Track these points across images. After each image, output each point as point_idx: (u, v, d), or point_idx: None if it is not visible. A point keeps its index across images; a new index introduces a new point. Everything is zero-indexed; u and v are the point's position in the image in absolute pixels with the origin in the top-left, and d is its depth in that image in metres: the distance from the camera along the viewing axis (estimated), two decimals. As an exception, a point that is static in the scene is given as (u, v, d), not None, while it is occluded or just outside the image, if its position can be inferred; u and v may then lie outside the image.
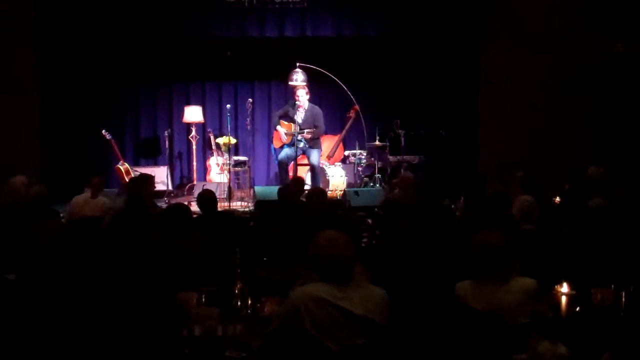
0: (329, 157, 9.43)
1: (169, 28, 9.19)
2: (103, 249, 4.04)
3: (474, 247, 3.35)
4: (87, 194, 6.88)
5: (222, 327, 3.11)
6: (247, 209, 8.22)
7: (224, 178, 9.25)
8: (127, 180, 9.00)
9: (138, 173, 9.03)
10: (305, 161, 8.93)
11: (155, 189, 7.58)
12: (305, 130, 8.55)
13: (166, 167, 9.70)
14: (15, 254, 3.93)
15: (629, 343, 3.16)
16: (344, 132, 9.62)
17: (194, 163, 9.84)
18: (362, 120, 9.27)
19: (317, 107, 8.89)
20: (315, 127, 8.68)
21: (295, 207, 5.73)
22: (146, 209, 5.59)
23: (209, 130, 9.99)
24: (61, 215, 6.29)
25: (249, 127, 9.26)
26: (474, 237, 3.42)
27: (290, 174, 8.80)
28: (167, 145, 9.77)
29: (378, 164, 9.13)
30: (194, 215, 5.41)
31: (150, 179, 6.49)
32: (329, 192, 8.60)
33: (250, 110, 9.18)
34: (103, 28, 9.01)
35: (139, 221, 4.76)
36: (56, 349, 2.88)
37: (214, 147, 9.76)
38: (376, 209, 6.72)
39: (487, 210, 5.05)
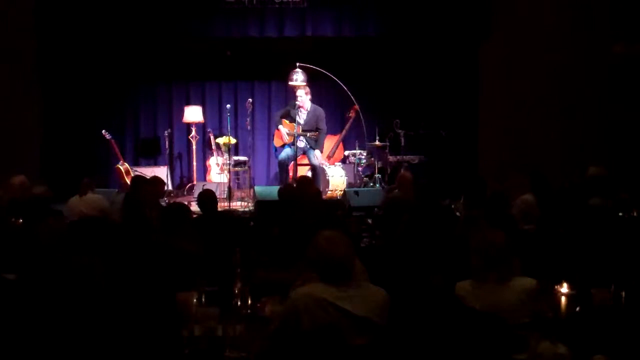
0: (329, 157, 9.43)
1: (169, 28, 9.19)
2: (110, 245, 4.04)
3: (475, 247, 3.35)
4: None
5: (222, 327, 3.11)
6: (247, 209, 8.23)
7: (224, 178, 9.25)
8: (127, 180, 9.01)
9: (138, 173, 9.06)
10: (305, 161, 8.94)
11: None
12: (308, 134, 8.57)
13: (166, 167, 9.70)
14: (15, 254, 3.93)
15: (628, 343, 3.16)
16: (344, 132, 9.63)
17: (194, 163, 9.85)
18: (362, 120, 9.27)
19: (319, 109, 8.90)
20: (319, 129, 8.70)
21: (295, 207, 5.72)
22: (146, 209, 5.58)
23: (209, 130, 9.99)
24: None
25: (249, 127, 9.27)
26: (474, 237, 3.41)
27: (291, 174, 8.80)
28: (167, 145, 9.78)
29: (378, 164, 9.13)
30: (194, 216, 5.41)
31: (157, 182, 6.43)
32: (329, 192, 8.62)
33: (250, 110, 9.19)
34: (103, 28, 9.02)
35: (138, 220, 4.76)
36: (56, 349, 2.88)
37: (214, 147, 9.76)
38: (376, 209, 6.72)
39: (487, 210, 5.05)
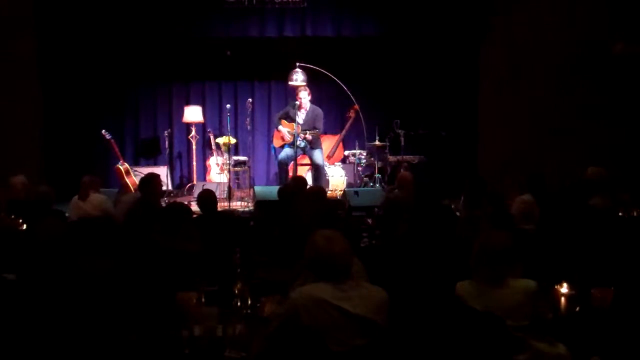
0: (328, 157, 9.44)
1: (169, 28, 9.20)
2: (115, 245, 4.04)
3: (479, 247, 3.33)
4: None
5: (222, 327, 3.11)
6: (247, 209, 8.23)
7: (223, 178, 9.25)
8: (126, 180, 9.01)
9: (138, 173, 9.06)
10: (305, 161, 8.94)
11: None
12: (308, 132, 8.56)
13: (166, 167, 9.70)
14: (15, 254, 3.93)
15: (628, 343, 3.17)
16: (343, 132, 9.63)
17: (194, 163, 9.85)
18: (362, 120, 9.28)
19: (318, 109, 8.90)
20: (315, 128, 8.69)
21: (296, 207, 5.72)
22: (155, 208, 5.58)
23: (208, 130, 10.00)
24: (67, 215, 6.28)
25: (248, 127, 9.27)
26: (479, 237, 3.40)
27: (291, 173, 8.80)
28: (167, 145, 9.78)
29: (378, 164, 9.14)
30: (194, 215, 5.41)
31: (156, 178, 6.43)
32: (328, 192, 8.61)
33: (250, 110, 9.19)
34: (103, 28, 9.03)
35: (145, 221, 4.76)
36: (56, 348, 2.88)
37: (213, 147, 9.77)
38: (376, 209, 6.72)
39: (485, 210, 5.05)
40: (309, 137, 8.57)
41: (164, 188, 9.19)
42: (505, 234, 3.41)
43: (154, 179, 6.26)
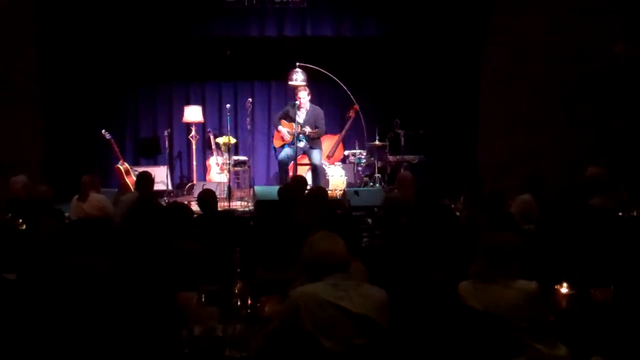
0: (328, 157, 9.43)
1: (169, 28, 9.21)
2: (115, 244, 4.04)
3: (486, 247, 3.31)
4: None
5: (222, 327, 3.11)
6: (247, 209, 8.23)
7: (223, 178, 9.25)
8: (126, 180, 9.01)
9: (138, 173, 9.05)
10: (305, 161, 8.93)
11: (155, 188, 7.53)
12: (308, 130, 8.55)
13: (166, 166, 9.71)
14: (15, 254, 3.93)
15: (628, 343, 3.17)
16: (343, 131, 9.63)
17: (194, 163, 9.85)
18: (362, 120, 9.28)
19: (318, 108, 8.89)
20: (317, 127, 8.68)
21: (295, 207, 5.72)
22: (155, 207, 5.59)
23: (208, 130, 10.00)
24: (67, 215, 6.27)
25: (248, 126, 9.27)
26: (485, 237, 3.38)
27: (291, 173, 8.80)
28: (167, 145, 9.78)
29: (378, 164, 9.14)
30: (194, 215, 5.40)
31: (149, 176, 6.46)
32: (328, 192, 8.60)
33: (250, 110, 9.18)
34: (103, 28, 9.03)
35: (150, 218, 4.75)
36: (56, 348, 2.88)
37: (213, 146, 9.77)
38: (376, 209, 6.72)
39: (486, 210, 5.05)
40: (310, 134, 8.52)
41: (164, 188, 9.25)
42: (512, 234, 3.40)
43: (149, 176, 6.31)
